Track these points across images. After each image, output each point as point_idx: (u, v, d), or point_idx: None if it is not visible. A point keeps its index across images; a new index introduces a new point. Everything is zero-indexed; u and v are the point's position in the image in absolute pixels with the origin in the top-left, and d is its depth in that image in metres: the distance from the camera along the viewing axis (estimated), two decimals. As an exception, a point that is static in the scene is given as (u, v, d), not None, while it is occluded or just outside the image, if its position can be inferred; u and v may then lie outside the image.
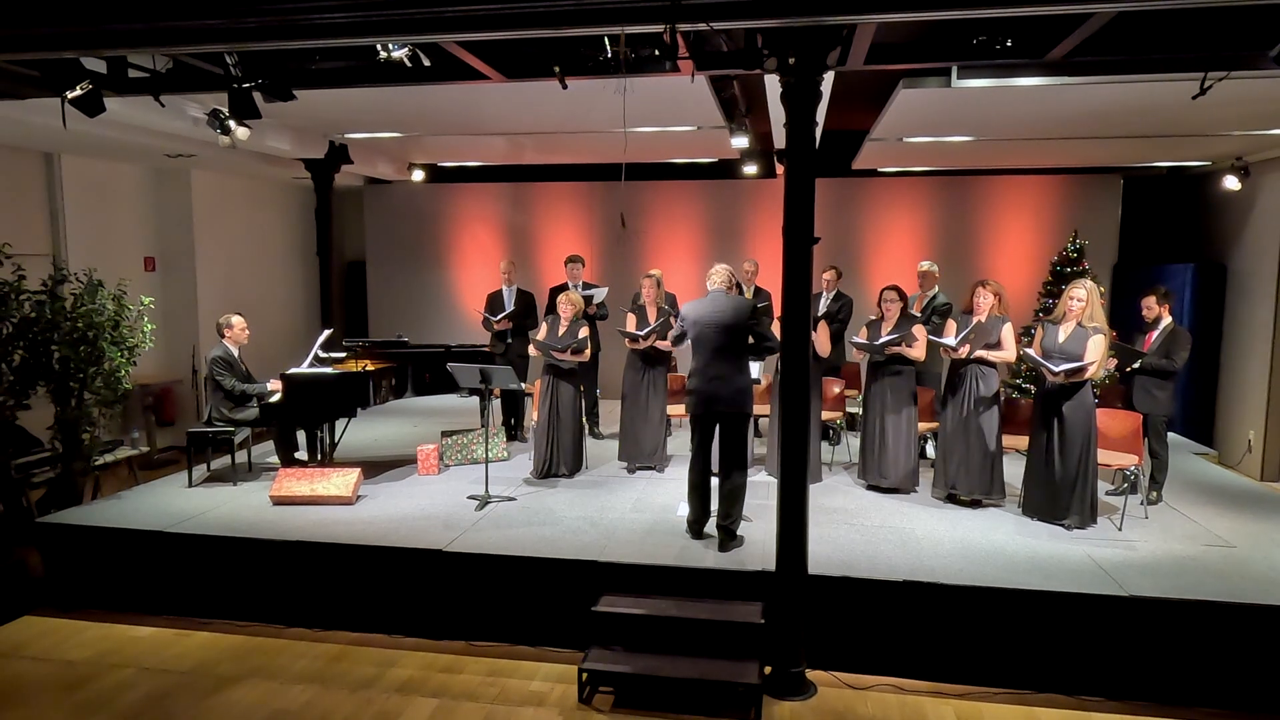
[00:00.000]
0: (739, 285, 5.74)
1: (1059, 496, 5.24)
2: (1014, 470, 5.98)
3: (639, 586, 4.64)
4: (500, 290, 7.88)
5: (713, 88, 5.90)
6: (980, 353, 5.55)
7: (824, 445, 6.63)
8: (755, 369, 5.60)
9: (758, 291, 7.69)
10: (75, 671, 4.54)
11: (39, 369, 5.97)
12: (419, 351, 7.17)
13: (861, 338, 6.05)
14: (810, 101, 4.10)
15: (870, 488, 6.09)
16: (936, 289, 7.33)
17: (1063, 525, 5.22)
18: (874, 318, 6.17)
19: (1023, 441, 5.82)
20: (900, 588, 4.42)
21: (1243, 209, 8.58)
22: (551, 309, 6.93)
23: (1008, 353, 5.55)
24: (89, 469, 6.42)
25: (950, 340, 5.60)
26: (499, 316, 7.64)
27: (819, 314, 7.43)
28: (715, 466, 5.02)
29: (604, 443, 7.56)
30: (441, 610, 4.92)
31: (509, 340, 7.74)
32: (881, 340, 5.87)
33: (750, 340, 4.91)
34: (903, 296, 6.06)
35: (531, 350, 6.51)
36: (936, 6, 3.54)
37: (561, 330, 6.41)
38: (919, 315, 7.03)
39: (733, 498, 4.88)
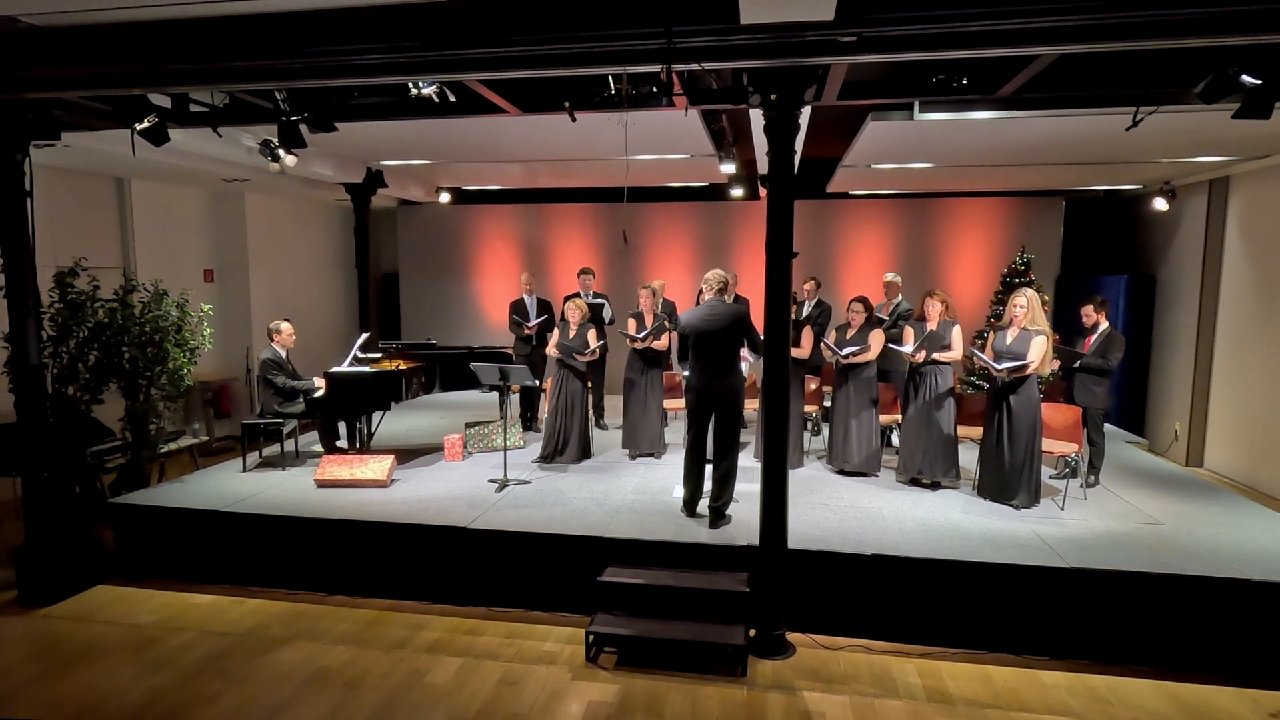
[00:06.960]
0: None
1: (1008, 480, 5.24)
2: (968, 456, 5.97)
3: (639, 559, 4.65)
4: (522, 298, 7.87)
5: (704, 121, 5.91)
6: (934, 355, 5.57)
7: (806, 435, 6.63)
8: (744, 367, 5.59)
9: (737, 298, 7.69)
10: (143, 634, 4.55)
11: (111, 368, 5.97)
12: (445, 353, 7.16)
13: (831, 340, 6.08)
14: (790, 132, 4.10)
15: (838, 472, 6.09)
16: (900, 297, 7.39)
17: (1011, 505, 5.22)
18: (842, 323, 6.20)
19: (976, 431, 5.82)
20: (868, 560, 4.42)
21: (1170, 227, 8.59)
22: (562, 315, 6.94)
23: (955, 352, 5.58)
24: (155, 456, 6.43)
25: (907, 348, 5.66)
26: (533, 322, 7.63)
27: (801, 318, 7.45)
28: (708, 454, 5.01)
29: (608, 433, 7.56)
30: (465, 580, 4.92)
31: (533, 343, 7.73)
32: (844, 353, 5.88)
33: (746, 342, 4.91)
34: (868, 307, 6.08)
35: (550, 352, 6.51)
36: (900, 49, 3.54)
37: (572, 333, 6.41)
38: (885, 319, 7.07)
39: (724, 481, 4.88)
